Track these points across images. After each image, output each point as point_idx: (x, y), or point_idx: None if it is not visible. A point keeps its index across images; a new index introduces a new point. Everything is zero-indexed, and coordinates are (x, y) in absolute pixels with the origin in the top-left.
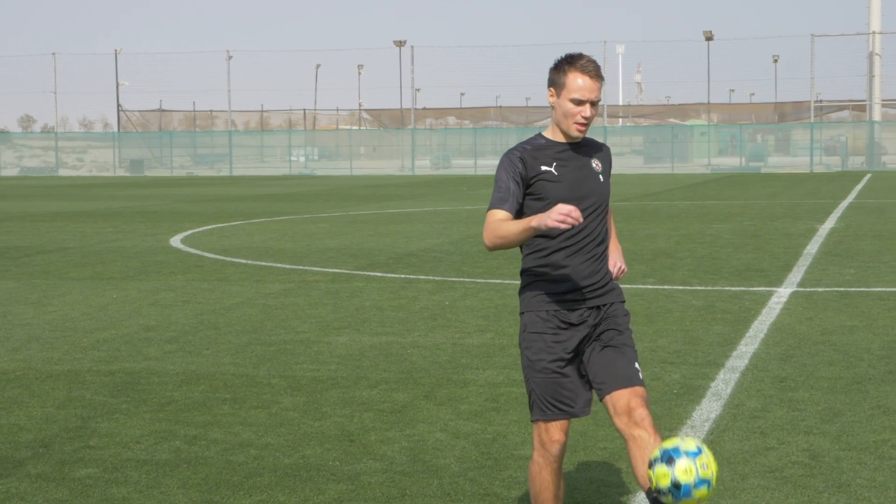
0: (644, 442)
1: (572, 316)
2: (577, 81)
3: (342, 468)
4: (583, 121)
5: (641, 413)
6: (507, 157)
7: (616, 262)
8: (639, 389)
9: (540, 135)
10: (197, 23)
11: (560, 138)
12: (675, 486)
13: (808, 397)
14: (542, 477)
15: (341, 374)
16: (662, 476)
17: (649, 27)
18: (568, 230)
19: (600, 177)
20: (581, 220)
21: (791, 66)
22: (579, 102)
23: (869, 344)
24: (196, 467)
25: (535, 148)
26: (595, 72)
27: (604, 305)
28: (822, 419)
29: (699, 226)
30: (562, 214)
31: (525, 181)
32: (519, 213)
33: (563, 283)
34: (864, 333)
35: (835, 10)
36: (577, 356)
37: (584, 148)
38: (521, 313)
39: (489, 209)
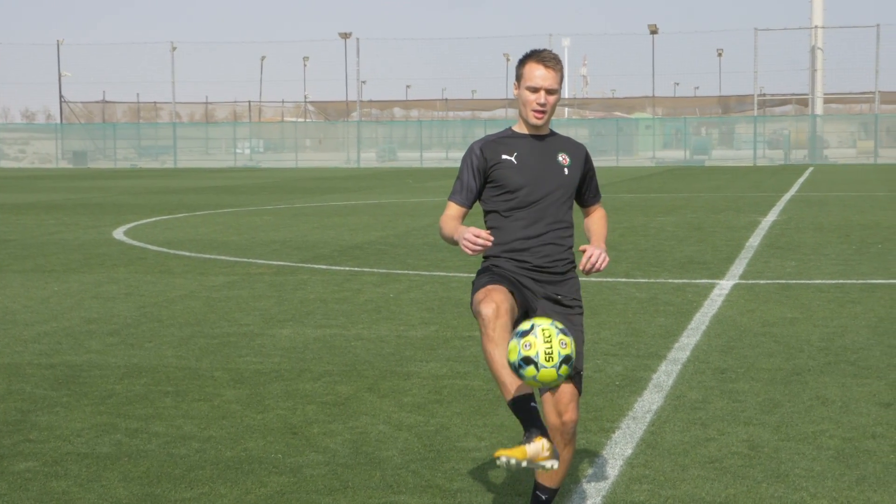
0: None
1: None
2: (534, 71)
3: (284, 461)
4: (538, 108)
5: (570, 415)
6: (470, 147)
7: (591, 252)
8: (568, 388)
9: (509, 128)
10: (141, 13)
11: (525, 130)
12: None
13: (749, 388)
14: (487, 349)
15: (284, 367)
16: (512, 350)
17: (595, 20)
18: (526, 218)
19: (565, 170)
20: (490, 243)
21: (735, 60)
22: (534, 90)
23: (809, 335)
24: (137, 460)
25: (500, 138)
26: (552, 62)
27: (557, 296)
28: (762, 410)
29: (643, 218)
30: (469, 240)
31: (483, 171)
32: (475, 201)
33: (515, 268)
34: (804, 325)
35: (778, 5)
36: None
37: (553, 142)
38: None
39: (448, 200)
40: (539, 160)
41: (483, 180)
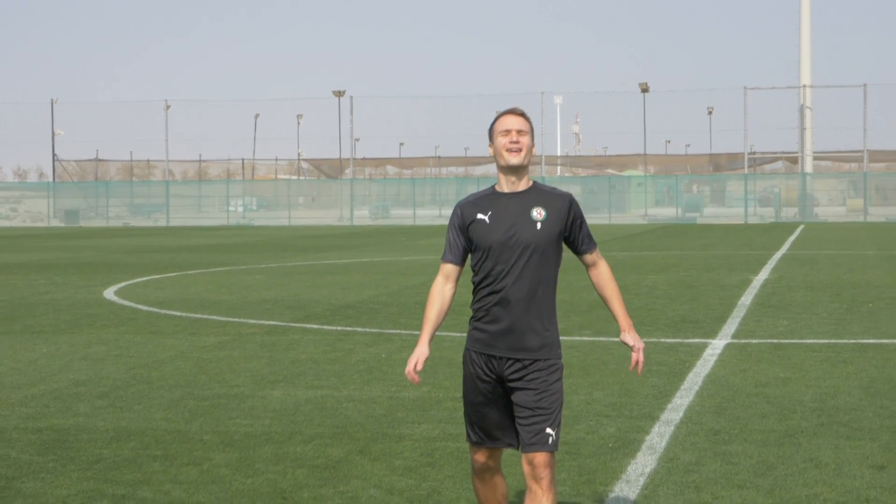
0: (537, 497)
1: (497, 363)
2: (504, 120)
3: None
4: (511, 146)
5: (542, 472)
6: (454, 208)
7: (634, 344)
8: (541, 457)
9: (491, 186)
10: (135, 72)
11: (504, 188)
12: None
13: (742, 450)
14: (474, 482)
15: (275, 430)
16: None
17: (587, 79)
18: (502, 278)
19: (537, 225)
20: (416, 382)
21: (725, 119)
22: (506, 132)
23: (802, 396)
24: None
25: (477, 198)
26: (517, 111)
27: (526, 361)
28: (756, 473)
29: (635, 276)
30: (406, 372)
31: (464, 230)
32: (464, 258)
33: (493, 326)
34: (798, 385)
35: (767, 64)
36: (505, 395)
37: (530, 197)
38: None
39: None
40: (511, 218)
41: (466, 239)
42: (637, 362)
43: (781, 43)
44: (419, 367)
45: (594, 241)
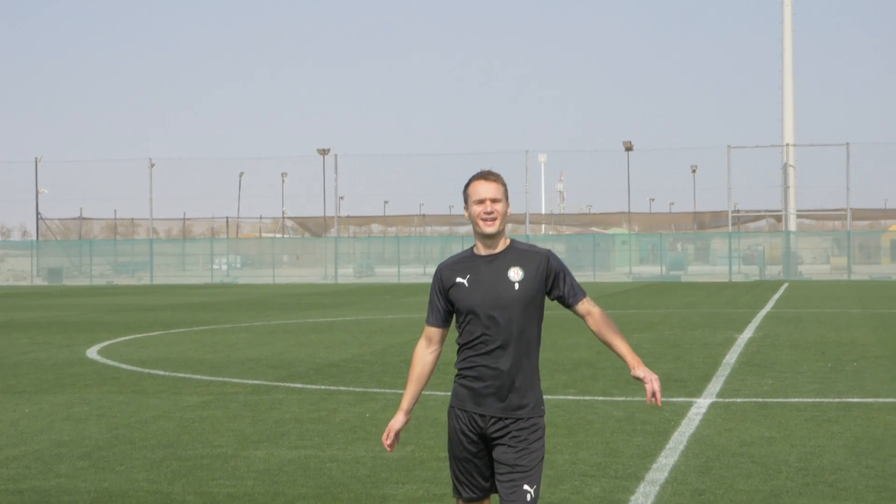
0: None
1: (481, 420)
2: (477, 187)
3: None
4: (486, 216)
5: None
6: (435, 271)
7: (647, 379)
8: None
9: (470, 248)
10: (119, 130)
11: (481, 251)
12: None
13: None
14: None
15: (258, 491)
16: None
17: (571, 137)
18: (480, 336)
19: (515, 285)
20: (390, 449)
21: (709, 177)
22: (480, 202)
23: (787, 456)
24: None
25: (456, 261)
26: (492, 176)
27: (508, 420)
28: None
29: None
30: (384, 439)
31: (445, 293)
32: (447, 320)
33: (477, 384)
34: (782, 445)
35: (750, 123)
36: (489, 451)
37: (508, 258)
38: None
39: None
40: (489, 280)
41: (447, 301)
42: (653, 393)
43: (764, 102)
44: (389, 440)
45: (583, 291)
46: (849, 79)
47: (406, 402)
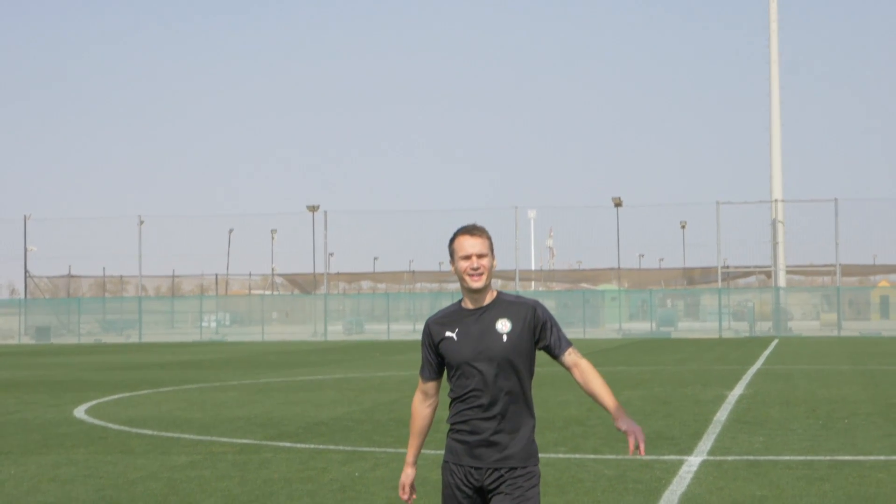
0: None
1: (477, 473)
2: (463, 243)
3: None
4: (473, 272)
5: None
6: (424, 325)
7: (629, 431)
8: None
9: (458, 302)
10: (108, 188)
11: (469, 305)
12: None
13: None
14: None
15: None
16: None
17: (560, 193)
18: (471, 390)
19: (503, 337)
20: (410, 503)
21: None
22: (466, 257)
23: None
24: None
25: (444, 315)
26: (477, 231)
27: (503, 469)
28: None
29: None
30: (400, 493)
31: (434, 347)
32: (440, 373)
33: (471, 438)
34: (774, 503)
35: (739, 179)
36: (483, 500)
37: (495, 311)
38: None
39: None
40: (478, 333)
41: (437, 355)
42: (636, 445)
43: (753, 157)
44: (406, 493)
45: (569, 342)
46: (837, 135)
47: (411, 456)
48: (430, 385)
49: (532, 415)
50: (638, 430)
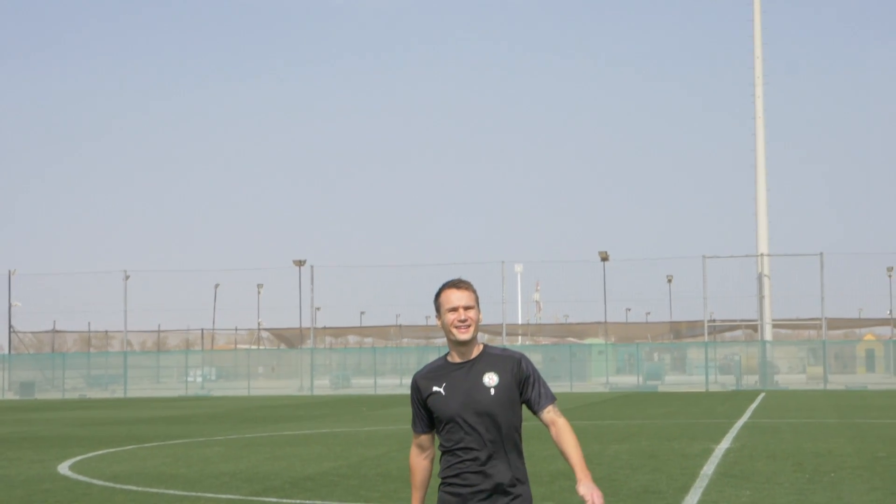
0: None
1: None
2: (450, 296)
3: None
4: (460, 324)
5: None
6: (411, 380)
7: (586, 495)
8: None
9: (444, 356)
10: (94, 243)
11: (456, 359)
12: None
13: None
14: None
15: None
16: None
17: (546, 247)
18: (462, 443)
19: (491, 390)
20: None
21: (685, 286)
22: (453, 309)
23: None
24: None
25: (430, 370)
26: (463, 284)
27: None
28: None
29: (598, 446)
30: None
31: (422, 403)
32: (432, 425)
33: (465, 490)
34: None
35: (725, 233)
36: None
37: (482, 364)
38: None
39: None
40: (465, 387)
41: (426, 410)
42: None
43: (739, 212)
44: None
45: (552, 398)
46: (822, 189)
47: (416, 501)
48: (424, 438)
49: (523, 465)
50: (597, 495)
